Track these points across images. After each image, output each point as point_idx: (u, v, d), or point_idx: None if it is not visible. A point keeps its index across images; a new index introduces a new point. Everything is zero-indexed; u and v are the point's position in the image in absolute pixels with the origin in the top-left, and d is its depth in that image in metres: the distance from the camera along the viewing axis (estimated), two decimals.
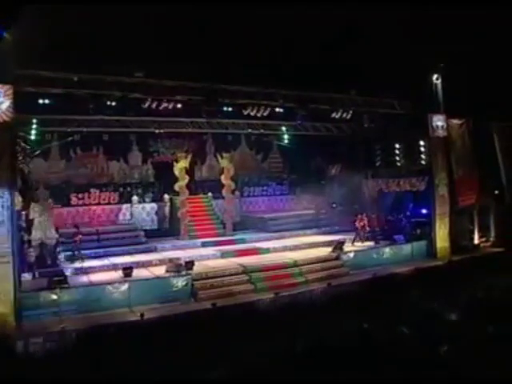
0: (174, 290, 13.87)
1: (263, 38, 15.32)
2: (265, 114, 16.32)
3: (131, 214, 20.20)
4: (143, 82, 14.16)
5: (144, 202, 20.63)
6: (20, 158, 14.97)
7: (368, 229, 18.84)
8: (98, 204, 19.88)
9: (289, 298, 13.74)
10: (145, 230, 19.50)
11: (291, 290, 14.34)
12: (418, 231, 18.92)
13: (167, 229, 20.31)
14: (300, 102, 16.21)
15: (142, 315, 12.14)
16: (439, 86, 18.55)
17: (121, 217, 20.12)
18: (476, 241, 19.52)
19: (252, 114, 16.08)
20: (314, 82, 16.31)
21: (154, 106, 15.46)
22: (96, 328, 11.27)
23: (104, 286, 13.34)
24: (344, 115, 17.49)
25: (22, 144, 15.17)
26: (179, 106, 16.31)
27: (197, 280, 14.35)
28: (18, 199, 14.31)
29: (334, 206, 21.95)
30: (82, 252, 15.82)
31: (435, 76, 18.42)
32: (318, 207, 22.03)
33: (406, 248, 18.11)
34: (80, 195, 19.62)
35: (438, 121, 18.41)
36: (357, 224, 18.77)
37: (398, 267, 16.72)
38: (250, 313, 12.81)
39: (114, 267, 15.23)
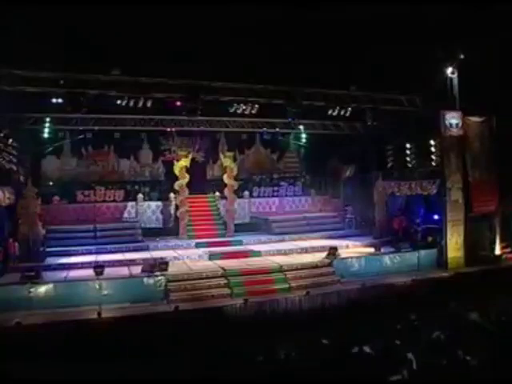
0: (147, 291, 13.59)
1: (250, 31, 14.63)
2: (253, 112, 15.63)
3: (136, 212, 20.31)
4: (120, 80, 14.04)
5: (150, 200, 20.68)
6: (9, 155, 15.41)
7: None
8: (104, 201, 20.18)
9: (258, 305, 12.99)
10: (149, 229, 19.55)
11: (268, 297, 13.60)
12: (430, 239, 17.33)
13: (171, 228, 20.17)
14: (290, 98, 15.31)
15: (99, 314, 12.01)
16: (455, 81, 16.90)
17: (126, 215, 20.26)
18: (498, 251, 17.50)
19: (239, 111, 15.46)
20: (307, 76, 15.39)
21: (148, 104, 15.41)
22: (46, 325, 11.28)
23: (76, 283, 13.40)
24: (342, 112, 16.34)
25: (10, 141, 15.58)
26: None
27: (172, 281, 14.01)
28: (6, 195, 14.76)
29: (346, 208, 20.81)
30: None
31: (450, 69, 16.78)
32: (329, 210, 20.97)
33: (412, 256, 16.54)
34: (86, 192, 20.04)
35: (452, 118, 16.70)
36: (395, 226, 18.39)
37: (396, 277, 15.34)
38: (211, 318, 12.28)
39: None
